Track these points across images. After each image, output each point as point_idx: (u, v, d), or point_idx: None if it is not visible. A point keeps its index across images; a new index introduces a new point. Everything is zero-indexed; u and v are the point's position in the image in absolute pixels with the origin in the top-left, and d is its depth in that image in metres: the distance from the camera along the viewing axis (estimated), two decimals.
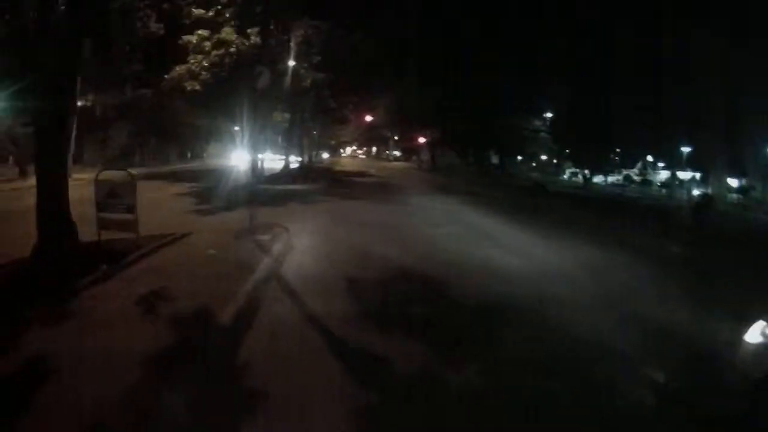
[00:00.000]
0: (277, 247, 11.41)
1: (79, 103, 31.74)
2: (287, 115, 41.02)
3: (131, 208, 10.09)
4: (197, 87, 27.32)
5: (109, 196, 10.26)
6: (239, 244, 11.53)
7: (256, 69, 12.17)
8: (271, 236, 12.53)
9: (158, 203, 19.43)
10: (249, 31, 26.32)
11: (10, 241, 9.74)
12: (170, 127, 47.28)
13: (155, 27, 30.12)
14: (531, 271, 11.04)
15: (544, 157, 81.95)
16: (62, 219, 9.40)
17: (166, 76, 28.95)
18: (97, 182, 10.45)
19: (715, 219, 25.59)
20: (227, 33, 27.28)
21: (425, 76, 59.11)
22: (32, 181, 23.97)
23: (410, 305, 8.23)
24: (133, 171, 34.05)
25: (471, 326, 7.47)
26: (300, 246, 12.34)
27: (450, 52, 59.43)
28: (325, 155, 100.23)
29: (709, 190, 52.16)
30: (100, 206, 10.36)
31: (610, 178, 72.72)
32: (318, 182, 34.17)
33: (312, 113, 44.92)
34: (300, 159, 53.88)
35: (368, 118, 68.30)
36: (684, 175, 66.05)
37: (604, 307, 8.72)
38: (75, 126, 23.30)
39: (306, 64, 29.99)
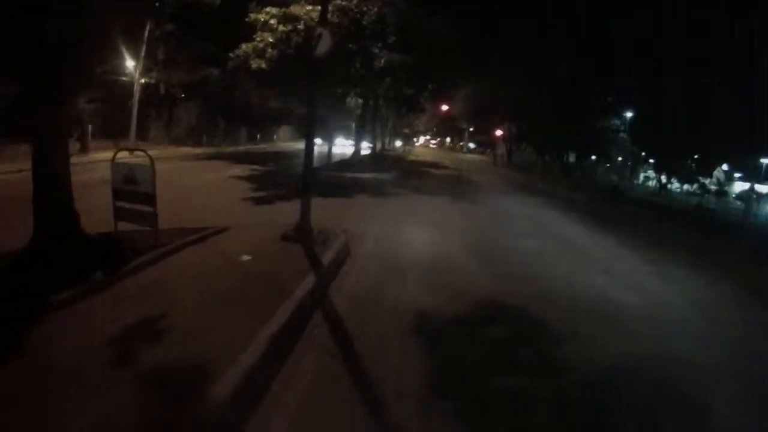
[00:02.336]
0: (330, 257, 8.98)
1: (143, 80, 31.45)
2: (360, 101, 39.55)
3: (149, 199, 8.17)
4: (263, 65, 25.71)
5: (126, 182, 8.46)
6: (284, 249, 9.21)
7: (316, 31, 9.95)
8: (327, 239, 10.20)
9: (212, 186, 18.32)
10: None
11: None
12: (239, 107, 46.58)
13: None
14: (660, 318, 8.28)
15: (619, 159, 77.61)
16: (61, 209, 7.43)
17: (231, 54, 27.42)
18: (114, 164, 8.64)
19: None
20: (296, 8, 25.38)
21: (507, 67, 56.51)
22: (93, 156, 23.94)
23: (506, 375, 5.56)
24: (198, 150, 34.35)
25: None
26: (361, 255, 10.06)
27: (533, 44, 56.65)
28: (398, 143, 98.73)
29: None
30: (117, 193, 8.60)
31: (686, 187, 68.16)
32: (389, 172, 32.35)
33: (386, 99, 43.16)
34: (371, 146, 52.63)
35: (444, 108, 66.36)
36: (762, 188, 60.94)
37: None
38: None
39: (380, 44, 27.80)
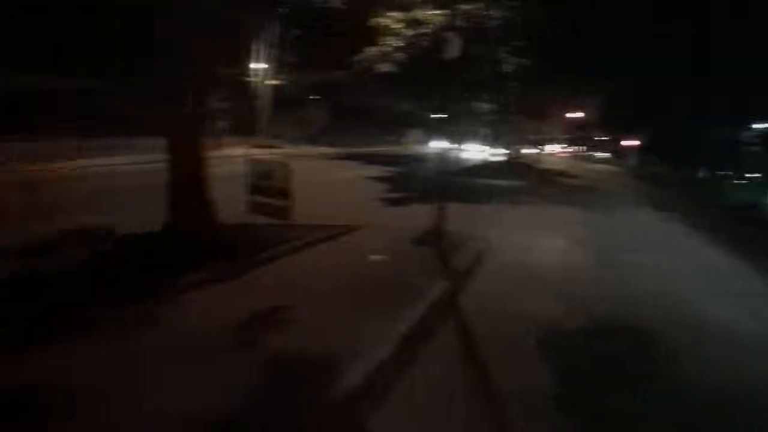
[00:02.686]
0: (461, 262, 8.80)
1: (272, 82, 32.58)
2: (488, 106, 38.92)
3: (284, 194, 8.33)
4: (390, 69, 25.75)
5: (262, 178, 8.67)
6: (416, 251, 9.11)
7: (445, 35, 9.76)
8: (458, 244, 10.00)
9: (344, 185, 18.42)
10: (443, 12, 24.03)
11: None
12: (367, 109, 47.18)
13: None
14: None
15: (756, 175, 71.74)
16: (195, 198, 7.87)
17: (356, 58, 27.78)
18: (250, 160, 8.94)
19: None
20: (419, 12, 25.23)
21: (638, 76, 54.03)
22: (225, 152, 24.93)
23: (627, 393, 5.17)
24: (329, 149, 35.14)
25: None
26: (490, 262, 9.72)
27: (663, 52, 53.73)
28: (526, 150, 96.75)
29: None
30: (252, 188, 8.86)
31: None
32: (519, 179, 31.54)
33: (514, 105, 42.24)
34: (500, 152, 51.90)
35: (573, 115, 64.38)
36: None
37: None
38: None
39: (508, 49, 27.15)
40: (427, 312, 6.14)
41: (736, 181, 71.33)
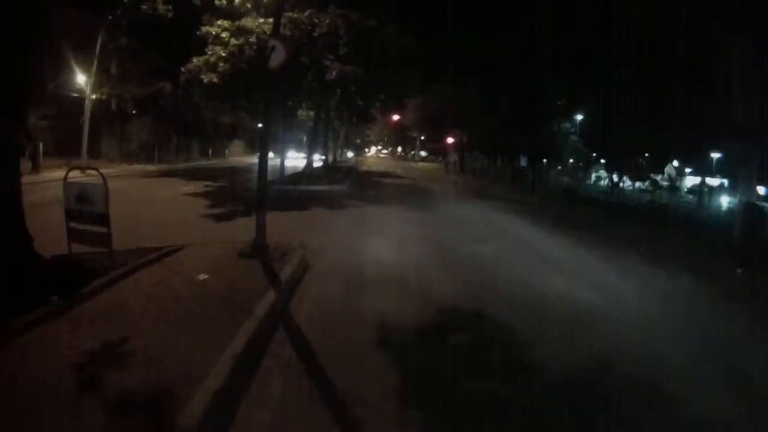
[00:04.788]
0: (289, 272, 8.93)
1: (94, 96, 30.77)
2: (311, 113, 39.27)
3: (103, 219, 8.02)
4: (215, 79, 25.36)
5: (79, 202, 8.29)
6: (242, 266, 9.15)
7: (269, 43, 9.98)
8: (285, 254, 10.17)
9: (167, 204, 18.04)
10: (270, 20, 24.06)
11: None
12: (191, 123, 45.93)
13: (163, 9, 28.93)
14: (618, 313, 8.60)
15: (570, 160, 78.95)
16: (12, 230, 7.27)
17: (182, 69, 27.08)
18: (66, 184, 8.47)
19: None
20: (248, 21, 25.28)
21: (460, 77, 56.99)
22: (45, 174, 23.34)
23: (477, 380, 5.69)
24: (151, 167, 33.82)
25: None
26: (320, 268, 10.01)
27: (486, 55, 56.99)
28: (350, 154, 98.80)
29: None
30: (70, 214, 8.39)
31: (638, 184, 70.04)
32: (342, 183, 32.30)
33: (337, 111, 42.87)
34: (323, 158, 52.75)
35: (395, 118, 66.87)
36: (712, 181, 63.32)
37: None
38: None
39: (332, 56, 27.69)
40: (259, 328, 6.19)
41: (558, 167, 78.19)
